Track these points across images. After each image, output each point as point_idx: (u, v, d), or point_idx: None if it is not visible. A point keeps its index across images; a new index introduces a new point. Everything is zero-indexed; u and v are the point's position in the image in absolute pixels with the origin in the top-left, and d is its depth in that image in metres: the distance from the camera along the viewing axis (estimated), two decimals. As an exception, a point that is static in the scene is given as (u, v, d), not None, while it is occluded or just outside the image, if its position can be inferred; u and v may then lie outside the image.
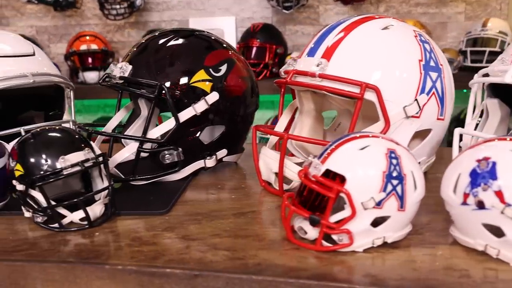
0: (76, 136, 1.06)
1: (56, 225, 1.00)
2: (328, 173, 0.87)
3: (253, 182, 1.26)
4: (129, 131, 1.40)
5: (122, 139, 1.40)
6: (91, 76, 3.17)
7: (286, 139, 1.11)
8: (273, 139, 1.26)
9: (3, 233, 1.01)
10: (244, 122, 1.35)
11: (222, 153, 1.32)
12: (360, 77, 1.08)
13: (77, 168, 1.00)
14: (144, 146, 1.24)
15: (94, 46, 3.27)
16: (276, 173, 1.16)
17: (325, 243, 0.87)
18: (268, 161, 1.17)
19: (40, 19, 3.60)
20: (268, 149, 1.20)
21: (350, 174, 0.84)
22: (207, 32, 1.35)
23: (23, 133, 1.25)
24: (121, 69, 1.25)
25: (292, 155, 1.28)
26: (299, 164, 1.16)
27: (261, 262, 0.85)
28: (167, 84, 1.21)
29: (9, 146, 1.10)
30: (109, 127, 1.38)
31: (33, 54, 1.37)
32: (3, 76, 1.27)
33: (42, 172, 0.98)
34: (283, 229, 0.95)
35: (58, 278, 0.87)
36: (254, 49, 3.23)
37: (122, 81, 1.25)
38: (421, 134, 1.17)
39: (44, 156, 0.99)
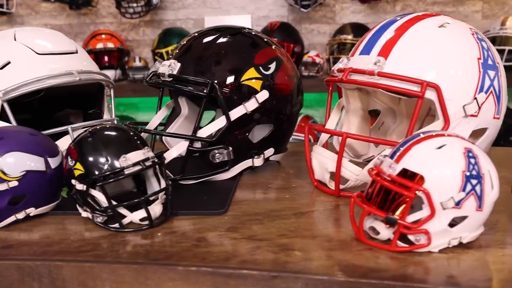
0: (134, 135, 1.04)
1: (116, 225, 0.99)
2: (403, 173, 0.86)
3: (303, 181, 1.25)
4: (170, 130, 1.39)
5: (163, 138, 1.38)
6: (108, 75, 3.14)
7: (345, 138, 1.09)
8: (323, 137, 1.24)
9: (62, 234, 0.99)
10: (290, 121, 1.33)
11: (269, 152, 1.30)
12: (419, 75, 1.06)
13: (138, 168, 0.99)
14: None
15: (110, 45, 3.25)
16: (331, 173, 1.15)
17: (400, 244, 0.86)
18: (323, 160, 1.16)
19: (55, 17, 3.57)
20: (322, 148, 1.19)
21: (429, 174, 0.83)
22: (253, 30, 1.34)
23: (70, 132, 1.24)
24: (169, 67, 1.23)
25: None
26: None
27: (338, 263, 0.83)
28: (217, 81, 1.19)
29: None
30: (151, 125, 1.37)
31: (76, 52, 1.35)
32: (49, 74, 1.25)
33: (103, 172, 0.96)
34: (349, 229, 0.94)
35: (128, 279, 0.86)
36: (271, 48, 3.21)
37: (171, 79, 1.23)
38: (474, 134, 1.16)
39: (105, 155, 0.97)
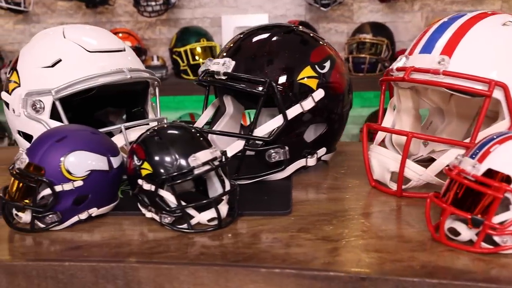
0: (199, 134, 1.02)
1: (184, 226, 0.97)
2: (486, 173, 0.84)
3: (358, 181, 1.23)
4: (216, 129, 1.37)
5: (209, 137, 1.36)
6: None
7: (410, 138, 1.07)
8: (380, 137, 1.23)
9: (128, 235, 0.97)
10: (341, 120, 1.31)
11: (321, 151, 1.29)
12: (484, 74, 1.05)
13: (207, 167, 0.97)
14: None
15: (128, 43, 3.21)
16: (392, 173, 1.13)
17: (484, 245, 0.84)
18: (384, 160, 1.14)
19: (71, 16, 3.54)
20: (381, 147, 1.17)
21: (517, 174, 0.81)
22: (304, 28, 1.32)
23: (124, 131, 1.22)
24: (223, 65, 1.21)
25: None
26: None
27: (423, 264, 0.81)
28: (276, 80, 1.18)
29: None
30: (199, 124, 1.35)
31: (124, 50, 1.33)
32: (101, 72, 1.23)
33: (172, 171, 0.94)
34: (423, 229, 0.92)
35: (207, 282, 0.84)
36: (290, 47, 3.19)
37: (226, 77, 1.21)
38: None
39: (174, 154, 0.95)
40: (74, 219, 1.00)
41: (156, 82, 1.39)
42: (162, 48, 3.56)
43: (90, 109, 1.51)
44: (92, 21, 3.54)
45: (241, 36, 1.30)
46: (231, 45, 1.29)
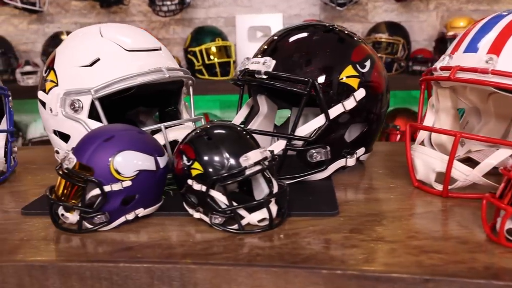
0: (247, 134, 1.01)
1: (235, 226, 0.96)
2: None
3: (399, 181, 1.23)
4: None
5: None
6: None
7: (458, 138, 1.06)
8: (421, 136, 1.22)
9: (177, 235, 0.96)
10: (380, 120, 1.30)
11: (360, 151, 1.28)
12: (534, 72, 1.04)
13: (259, 167, 0.96)
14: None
15: (142, 43, 3.21)
16: (437, 173, 1.12)
17: (546, 246, 0.83)
18: (429, 160, 1.13)
19: (85, 15, 3.54)
20: (426, 147, 1.16)
21: None
22: (342, 27, 1.31)
23: (163, 130, 1.21)
24: (264, 64, 1.20)
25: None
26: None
27: (486, 265, 0.80)
28: (318, 79, 1.17)
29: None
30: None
31: (160, 49, 1.32)
32: (139, 71, 1.22)
33: (224, 172, 0.93)
34: (477, 230, 0.91)
35: (265, 283, 0.83)
36: (306, 47, 3.18)
37: (267, 76, 1.20)
38: None
39: (225, 154, 0.94)
40: (121, 219, 0.99)
41: (190, 81, 1.38)
42: (176, 47, 3.55)
43: (122, 108, 1.50)
44: (106, 20, 3.53)
45: (279, 35, 1.29)
46: (269, 44, 1.28)
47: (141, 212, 1.01)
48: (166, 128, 1.22)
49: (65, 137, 1.29)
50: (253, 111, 1.42)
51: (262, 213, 0.96)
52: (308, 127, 1.18)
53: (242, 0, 3.52)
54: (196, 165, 0.95)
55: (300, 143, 1.21)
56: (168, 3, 3.21)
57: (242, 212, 0.96)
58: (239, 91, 1.39)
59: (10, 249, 0.93)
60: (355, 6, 3.45)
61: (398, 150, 1.55)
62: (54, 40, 3.29)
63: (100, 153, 0.96)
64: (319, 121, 1.18)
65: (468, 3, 3.40)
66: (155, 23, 3.55)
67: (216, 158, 0.94)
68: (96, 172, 0.95)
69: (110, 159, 0.95)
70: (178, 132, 1.24)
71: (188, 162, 0.96)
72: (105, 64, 1.22)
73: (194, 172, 0.95)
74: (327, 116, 1.17)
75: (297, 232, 0.95)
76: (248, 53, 3.41)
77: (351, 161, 1.26)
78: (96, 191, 0.96)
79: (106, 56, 1.23)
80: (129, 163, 0.96)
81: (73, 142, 1.25)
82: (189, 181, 0.96)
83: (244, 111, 1.39)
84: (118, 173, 0.96)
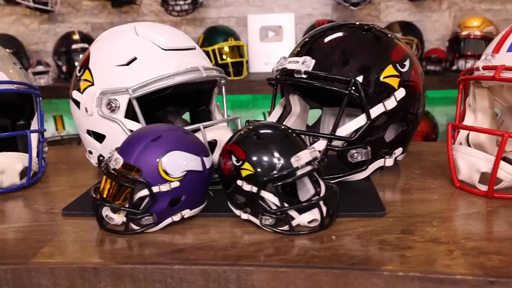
0: (295, 134, 1.00)
1: (285, 227, 0.95)
2: None
3: (439, 182, 1.22)
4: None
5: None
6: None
7: (506, 138, 1.05)
8: (462, 136, 1.21)
9: (226, 237, 0.94)
10: (417, 120, 1.29)
11: (398, 151, 1.27)
12: None
13: (310, 168, 0.95)
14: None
15: (155, 43, 3.19)
16: (482, 173, 1.11)
17: None
18: (473, 160, 1.12)
19: (96, 15, 3.52)
20: (469, 148, 1.15)
21: None
22: (379, 27, 1.30)
23: (202, 130, 1.19)
24: (303, 64, 1.19)
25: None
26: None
27: (550, 267, 0.79)
28: (359, 79, 1.15)
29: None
30: (268, 124, 1.32)
31: (195, 48, 1.31)
32: (177, 71, 1.21)
33: (276, 172, 0.92)
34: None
35: (324, 285, 0.81)
36: (319, 46, 3.16)
37: (306, 76, 1.19)
38: None
39: (277, 154, 0.93)
40: (168, 220, 0.98)
41: (223, 81, 1.36)
42: (188, 47, 3.53)
43: (151, 108, 1.49)
44: (117, 20, 3.52)
45: (315, 35, 1.27)
46: (306, 43, 1.27)
47: (187, 213, 1.00)
48: (204, 128, 1.20)
49: (99, 137, 1.27)
50: (285, 111, 1.41)
51: (313, 214, 0.95)
52: (349, 127, 1.17)
53: (254, 0, 3.50)
54: (247, 165, 0.94)
55: (339, 143, 1.20)
56: (181, 2, 3.19)
57: (292, 213, 0.95)
58: (273, 91, 1.38)
59: (58, 251, 0.92)
60: (368, 6, 3.44)
61: (428, 150, 1.54)
62: (66, 40, 3.27)
63: (148, 154, 0.95)
64: (360, 121, 1.16)
65: (481, 2, 3.39)
66: (166, 23, 3.52)
67: (267, 159, 0.93)
68: (144, 173, 0.94)
69: (158, 159, 0.94)
70: (215, 132, 1.23)
71: (238, 162, 0.95)
72: (142, 63, 1.21)
73: (244, 173, 0.94)
74: (368, 116, 1.15)
75: (348, 233, 0.94)
76: (260, 53, 3.40)
77: (389, 161, 1.24)
78: (144, 192, 0.95)
79: (143, 55, 1.22)
80: (177, 164, 0.95)
81: (109, 142, 1.24)
82: (239, 182, 0.94)
83: (278, 111, 1.38)
84: (167, 173, 0.94)
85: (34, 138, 1.31)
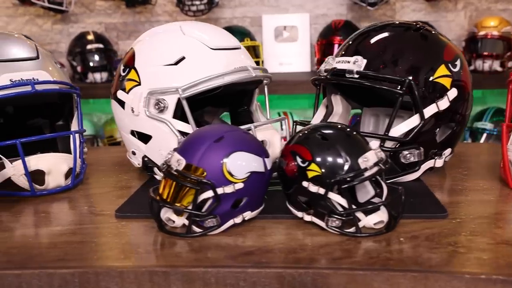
0: (359, 135, 0.98)
1: (352, 229, 0.93)
2: None
3: (490, 183, 1.21)
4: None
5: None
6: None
7: None
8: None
9: (293, 239, 0.93)
10: (466, 121, 1.28)
11: (447, 152, 1.25)
12: None
13: (377, 168, 0.93)
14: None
15: (170, 43, 3.18)
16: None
17: None
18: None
19: (109, 15, 3.49)
20: (524, 147, 1.14)
21: None
22: (428, 26, 1.28)
23: (253, 130, 1.18)
24: (355, 63, 1.18)
25: None
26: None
27: None
28: (412, 79, 1.14)
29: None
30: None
31: (240, 48, 1.29)
32: (226, 70, 1.19)
33: (344, 173, 0.91)
34: None
35: (402, 288, 0.80)
36: (336, 47, 3.15)
37: (358, 76, 1.17)
38: None
39: (344, 155, 0.91)
40: (230, 222, 0.96)
41: (265, 80, 1.35)
42: (202, 47, 3.51)
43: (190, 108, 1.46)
44: (131, 20, 3.49)
45: (363, 34, 1.26)
46: (355, 42, 1.25)
47: (248, 215, 0.98)
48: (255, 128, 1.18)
49: (143, 138, 1.26)
50: (327, 111, 1.39)
51: (379, 216, 0.94)
52: (402, 128, 1.16)
53: (269, 0, 3.48)
54: (313, 166, 0.92)
55: (390, 144, 1.18)
56: (197, 2, 3.17)
57: (359, 214, 0.93)
58: (316, 91, 1.36)
59: (122, 254, 0.90)
60: (383, 6, 3.42)
61: (466, 151, 1.53)
62: (80, 40, 3.24)
63: (212, 155, 0.93)
64: (412, 121, 1.15)
65: (497, 2, 3.38)
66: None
67: (335, 160, 0.91)
68: (208, 174, 0.92)
69: (222, 160, 0.92)
70: (264, 132, 1.22)
71: (303, 163, 0.93)
72: (190, 63, 1.19)
73: (310, 174, 0.92)
74: (422, 116, 1.14)
75: (416, 235, 0.92)
76: (274, 53, 3.38)
77: (439, 162, 1.23)
78: (207, 194, 0.93)
79: (191, 54, 1.20)
80: (241, 165, 0.93)
81: (155, 142, 1.23)
82: (304, 183, 0.93)
83: (321, 111, 1.36)
84: (231, 175, 0.93)
85: (76, 138, 1.29)
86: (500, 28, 3.08)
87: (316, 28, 3.46)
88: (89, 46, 3.20)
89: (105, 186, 1.29)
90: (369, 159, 0.92)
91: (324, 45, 3.18)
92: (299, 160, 0.94)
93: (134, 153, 1.30)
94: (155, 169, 1.27)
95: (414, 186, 1.18)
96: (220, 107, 1.48)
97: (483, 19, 3.22)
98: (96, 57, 3.19)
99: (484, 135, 3.12)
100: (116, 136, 3.28)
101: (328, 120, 1.36)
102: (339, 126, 0.99)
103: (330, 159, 0.91)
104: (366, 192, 1.00)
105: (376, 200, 0.99)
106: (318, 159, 0.92)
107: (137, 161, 1.31)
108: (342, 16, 3.48)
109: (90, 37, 3.26)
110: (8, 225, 1.06)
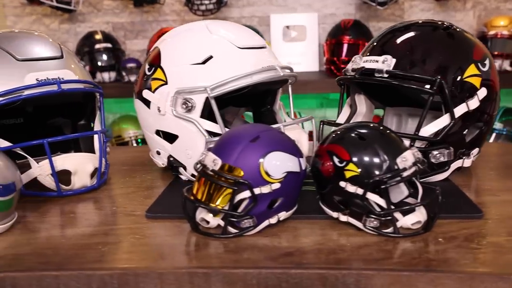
0: (393, 134, 0.97)
1: (390, 230, 0.92)
2: None
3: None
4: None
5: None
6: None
7: None
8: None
9: (331, 240, 0.92)
10: (492, 121, 1.27)
11: (475, 152, 1.25)
12: None
13: (415, 168, 0.92)
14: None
15: (179, 43, 3.16)
16: None
17: None
18: None
19: (117, 15, 3.48)
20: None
21: None
22: (455, 25, 1.28)
23: (282, 129, 1.17)
24: (383, 63, 1.17)
25: None
26: None
27: None
28: (442, 78, 1.13)
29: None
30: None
31: (266, 47, 1.29)
32: (254, 70, 1.18)
33: (383, 173, 0.90)
34: None
35: (448, 290, 0.79)
36: (345, 46, 3.14)
37: (387, 75, 1.16)
38: None
39: (383, 155, 0.91)
40: (265, 223, 0.95)
41: (290, 80, 1.34)
42: (209, 47, 3.50)
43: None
44: (139, 20, 3.48)
45: (392, 33, 1.25)
46: (382, 42, 1.24)
47: (283, 215, 0.97)
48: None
49: (169, 137, 1.25)
50: (350, 111, 1.38)
51: (416, 216, 0.93)
52: (431, 128, 1.15)
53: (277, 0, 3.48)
54: (351, 166, 0.91)
55: (419, 143, 1.18)
56: (207, 2, 3.16)
57: (396, 215, 0.93)
58: (340, 91, 1.35)
59: (158, 255, 0.89)
60: (392, 5, 3.41)
61: (487, 150, 1.52)
62: (89, 40, 3.23)
63: (248, 155, 0.92)
64: (442, 121, 1.14)
65: (506, 1, 3.38)
66: (187, 22, 3.50)
67: (373, 159, 0.91)
68: (245, 174, 0.91)
69: (259, 160, 0.92)
70: (291, 132, 1.20)
71: (341, 163, 0.92)
72: (218, 62, 1.19)
73: (348, 174, 0.92)
74: (452, 115, 1.13)
75: (454, 236, 0.92)
76: (282, 53, 3.37)
77: (467, 162, 1.22)
78: (244, 194, 0.92)
79: (219, 53, 1.19)
80: (278, 165, 0.93)
81: (181, 142, 1.22)
82: (342, 183, 0.92)
83: (346, 111, 1.35)
84: (268, 175, 0.92)
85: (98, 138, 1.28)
86: (510, 28, 3.08)
87: (324, 27, 3.45)
88: (97, 46, 3.19)
89: (130, 186, 1.28)
90: (408, 159, 0.91)
91: (333, 44, 3.17)
92: (336, 160, 0.93)
93: (158, 152, 1.29)
94: (181, 169, 1.26)
95: (445, 186, 1.16)
96: (242, 107, 1.47)
97: (493, 18, 3.22)
98: (104, 57, 3.18)
99: (493, 135, 3.12)
100: (124, 136, 3.27)
101: (352, 120, 1.35)
102: (374, 126, 0.98)
103: (368, 159, 0.91)
104: (400, 192, 1.00)
105: (409, 200, 0.98)
106: (356, 159, 0.91)
107: (161, 161, 1.30)
108: (350, 15, 3.47)
109: (98, 36, 3.25)
110: (38, 226, 1.04)
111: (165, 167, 1.30)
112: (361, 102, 1.36)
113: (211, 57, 1.19)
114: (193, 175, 1.24)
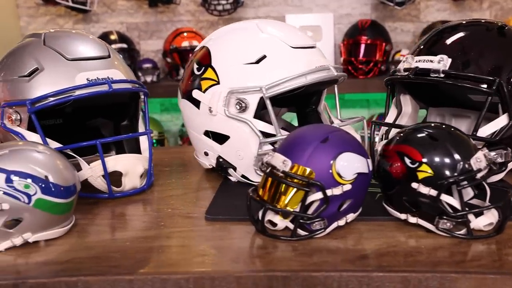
0: (463, 134, 0.96)
1: (463, 232, 0.91)
2: None
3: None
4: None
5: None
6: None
7: None
8: None
9: (398, 242, 0.91)
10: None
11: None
12: None
13: (488, 169, 0.91)
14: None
15: (195, 43, 3.15)
16: None
17: None
18: None
19: (131, 15, 3.46)
20: None
21: None
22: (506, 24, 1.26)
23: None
24: (439, 63, 1.15)
25: None
26: None
27: None
28: (501, 78, 1.12)
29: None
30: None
31: (315, 46, 1.27)
32: (308, 70, 1.17)
33: (457, 175, 0.88)
34: None
35: (534, 292, 0.78)
36: (363, 46, 3.13)
37: (444, 75, 1.15)
38: None
39: (457, 156, 0.89)
40: (334, 225, 0.94)
41: (340, 79, 1.32)
42: (224, 47, 3.48)
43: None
44: (153, 20, 3.46)
45: (442, 33, 1.23)
46: (433, 41, 1.23)
47: (351, 217, 0.96)
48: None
49: (218, 138, 1.23)
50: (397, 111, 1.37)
51: (489, 218, 0.92)
52: (489, 128, 1.14)
53: (293, 0, 3.46)
54: (425, 167, 0.90)
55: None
56: (224, 2, 3.14)
57: (470, 216, 0.91)
58: (387, 91, 1.34)
59: (231, 257, 0.88)
60: (407, 5, 3.41)
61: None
62: (104, 40, 3.17)
63: (320, 156, 0.90)
64: (500, 122, 1.13)
65: (522, 2, 3.38)
66: (202, 23, 3.48)
67: (448, 160, 0.89)
68: (317, 175, 0.90)
69: (331, 161, 0.90)
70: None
71: (413, 164, 0.91)
72: (272, 62, 1.17)
73: (421, 175, 0.90)
74: (510, 116, 1.12)
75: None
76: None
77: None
78: (315, 196, 0.90)
79: (273, 53, 1.18)
80: (349, 166, 0.91)
81: (232, 143, 1.20)
82: (414, 185, 0.90)
83: (394, 111, 1.34)
84: (340, 176, 0.90)
85: (145, 140, 1.26)
86: (528, 28, 3.07)
87: (340, 28, 3.44)
88: (113, 46, 3.15)
89: (178, 188, 1.26)
90: (482, 160, 0.90)
91: (350, 45, 3.16)
92: (407, 161, 0.92)
93: (206, 153, 1.27)
94: (230, 170, 1.24)
95: (503, 187, 1.15)
96: (284, 107, 1.45)
97: (510, 18, 3.21)
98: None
99: None
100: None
101: (398, 120, 1.34)
102: (443, 126, 0.97)
103: (442, 159, 0.89)
104: (465, 193, 0.98)
105: (474, 201, 0.97)
106: (430, 160, 0.90)
107: (208, 162, 1.28)
108: (366, 15, 3.46)
109: (114, 37, 3.23)
110: (95, 228, 1.03)
111: (208, 168, 1.28)
112: (407, 102, 1.34)
113: (264, 56, 1.17)
114: (243, 176, 1.22)
